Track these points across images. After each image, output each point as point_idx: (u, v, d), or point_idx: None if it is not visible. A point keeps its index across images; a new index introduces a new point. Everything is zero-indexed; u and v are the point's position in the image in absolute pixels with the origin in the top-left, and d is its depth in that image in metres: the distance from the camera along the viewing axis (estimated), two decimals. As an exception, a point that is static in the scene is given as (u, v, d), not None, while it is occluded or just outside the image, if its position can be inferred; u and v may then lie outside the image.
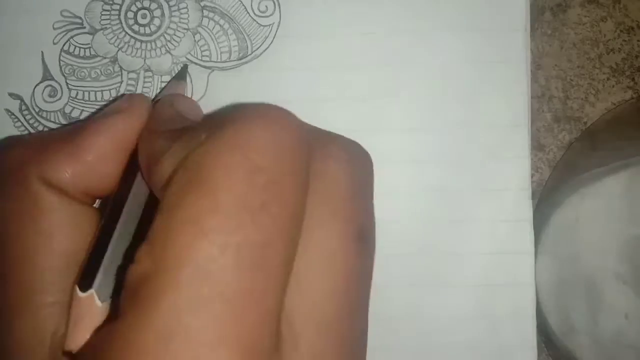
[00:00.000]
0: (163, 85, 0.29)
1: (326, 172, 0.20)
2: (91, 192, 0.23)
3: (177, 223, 0.17)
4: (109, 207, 0.22)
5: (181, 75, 0.29)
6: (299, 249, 0.19)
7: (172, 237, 0.17)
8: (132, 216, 0.22)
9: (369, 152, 0.29)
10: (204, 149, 0.18)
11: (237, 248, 0.17)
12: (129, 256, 0.18)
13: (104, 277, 0.21)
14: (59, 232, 0.22)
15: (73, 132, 0.23)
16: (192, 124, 0.23)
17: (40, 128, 0.29)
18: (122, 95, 0.29)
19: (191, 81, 0.29)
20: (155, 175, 0.20)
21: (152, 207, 0.21)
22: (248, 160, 0.18)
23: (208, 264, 0.17)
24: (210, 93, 0.29)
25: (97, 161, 0.22)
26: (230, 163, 0.18)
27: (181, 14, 0.29)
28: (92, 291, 0.20)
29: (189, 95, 0.29)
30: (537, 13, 0.31)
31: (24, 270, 0.21)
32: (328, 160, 0.21)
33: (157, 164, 0.20)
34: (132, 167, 0.23)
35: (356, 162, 0.22)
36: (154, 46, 0.29)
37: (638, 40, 0.30)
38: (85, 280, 0.20)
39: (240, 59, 0.29)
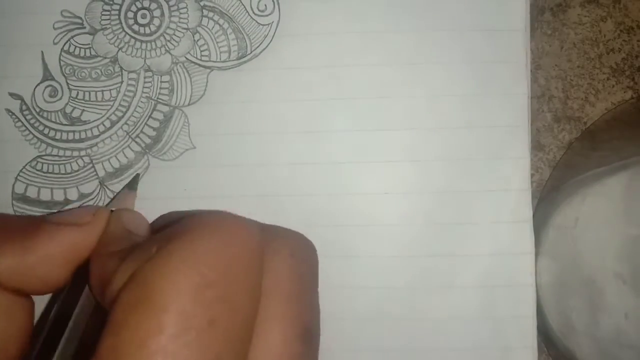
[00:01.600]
0: (163, 85, 0.29)
1: (270, 270, 0.21)
2: (25, 290, 0.23)
3: (125, 344, 0.17)
4: (54, 314, 0.23)
5: (132, 185, 0.29)
6: None
7: (119, 358, 0.17)
8: (78, 325, 0.22)
9: (368, 153, 0.29)
10: (153, 263, 0.19)
11: None
12: None
13: None
14: None
15: (29, 228, 0.23)
16: (141, 240, 0.23)
17: (41, 128, 0.29)
18: (86, 207, 0.28)
19: (191, 81, 0.29)
20: (108, 296, 0.20)
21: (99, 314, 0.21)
22: (197, 274, 0.18)
23: None
24: (209, 93, 0.29)
25: (40, 264, 0.22)
26: (178, 278, 0.18)
27: (181, 13, 0.29)
28: None
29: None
30: (537, 13, 0.31)
31: None
32: (273, 258, 0.21)
33: (109, 284, 0.20)
34: (81, 278, 0.23)
35: (300, 257, 0.22)
36: (153, 46, 0.29)
37: (638, 40, 0.30)
38: None
39: (240, 58, 0.29)
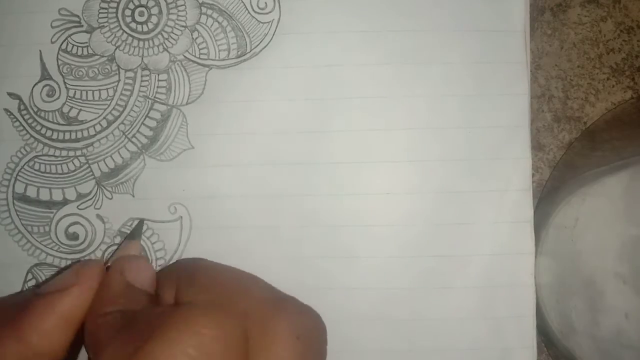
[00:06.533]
0: (160, 84, 0.29)
1: (273, 353, 0.21)
2: None
3: None
4: None
5: (135, 233, 0.29)
6: None
7: None
8: None
9: (369, 154, 0.29)
10: (143, 355, 0.19)
11: None
12: None
13: None
14: None
15: (19, 310, 0.23)
16: (143, 297, 0.23)
17: (39, 128, 0.29)
18: (75, 262, 0.28)
19: (189, 80, 0.29)
20: None
21: None
22: None
23: None
24: (208, 92, 0.29)
25: (41, 341, 0.22)
26: None
27: (179, 11, 0.29)
28: None
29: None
30: (537, 13, 0.30)
31: None
32: (276, 340, 0.21)
33: (100, 356, 0.20)
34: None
35: (308, 339, 0.22)
36: (151, 44, 0.29)
37: (638, 40, 0.30)
38: None
39: (239, 57, 0.29)
